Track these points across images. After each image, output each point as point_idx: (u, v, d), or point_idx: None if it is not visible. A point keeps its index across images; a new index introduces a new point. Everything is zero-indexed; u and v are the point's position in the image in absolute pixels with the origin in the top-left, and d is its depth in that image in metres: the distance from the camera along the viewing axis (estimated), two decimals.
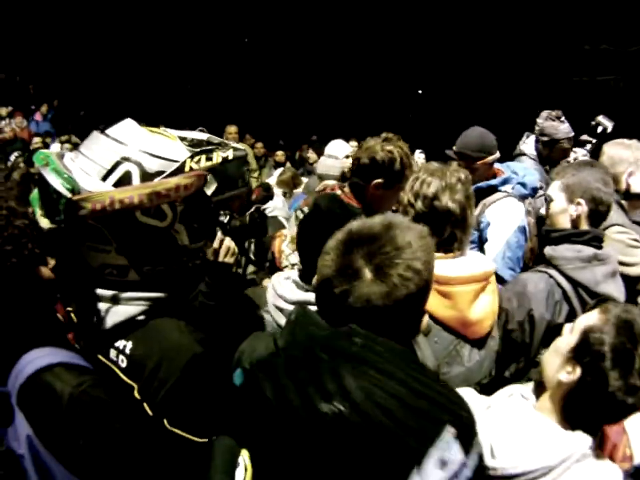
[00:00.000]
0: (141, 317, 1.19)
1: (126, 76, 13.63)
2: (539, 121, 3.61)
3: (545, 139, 3.56)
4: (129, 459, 1.09)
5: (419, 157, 6.75)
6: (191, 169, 1.16)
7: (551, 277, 1.89)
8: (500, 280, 2.23)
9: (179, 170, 1.14)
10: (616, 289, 1.91)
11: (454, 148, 2.81)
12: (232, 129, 6.74)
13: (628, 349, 1.13)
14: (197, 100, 13.75)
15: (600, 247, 1.93)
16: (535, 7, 9.96)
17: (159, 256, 1.19)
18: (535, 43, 10.12)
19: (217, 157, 1.23)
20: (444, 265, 1.52)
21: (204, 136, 1.28)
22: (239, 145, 1.37)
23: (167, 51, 13.47)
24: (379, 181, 2.08)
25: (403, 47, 13.08)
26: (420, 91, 14.75)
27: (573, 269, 1.87)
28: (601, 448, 1.27)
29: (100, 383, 1.12)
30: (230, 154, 1.26)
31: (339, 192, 2.21)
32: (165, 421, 1.13)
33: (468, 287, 1.53)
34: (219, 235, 1.81)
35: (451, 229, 1.56)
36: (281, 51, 13.93)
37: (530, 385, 1.34)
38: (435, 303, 1.47)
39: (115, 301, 1.18)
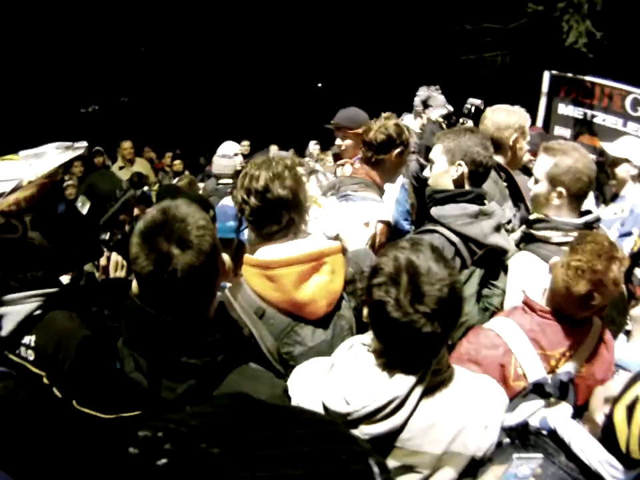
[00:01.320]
0: (38, 312, 1.38)
1: None
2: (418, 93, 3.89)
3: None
4: (57, 453, 1.16)
5: (314, 148, 6.77)
6: (30, 182, 1.35)
7: (441, 234, 2.01)
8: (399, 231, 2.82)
9: (18, 186, 1.34)
10: (503, 240, 2.04)
11: (331, 122, 3.24)
12: (126, 145, 6.67)
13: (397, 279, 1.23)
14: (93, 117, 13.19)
15: (483, 204, 2.04)
16: None
17: (26, 263, 1.38)
18: (420, 28, 10.63)
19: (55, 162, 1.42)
20: (266, 250, 1.63)
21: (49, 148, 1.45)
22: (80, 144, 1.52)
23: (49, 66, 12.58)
24: (398, 150, 2.48)
25: (294, 44, 13.27)
26: (320, 84, 15.04)
27: (462, 225, 2.02)
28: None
29: (20, 384, 1.24)
30: (68, 155, 1.44)
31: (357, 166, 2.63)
32: (74, 402, 1.22)
33: (290, 268, 1.57)
34: (105, 252, 1.99)
35: (288, 215, 1.63)
36: (175, 58, 13.59)
37: (370, 333, 1.40)
38: (263, 286, 1.59)
39: (12, 302, 1.34)
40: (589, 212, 2.21)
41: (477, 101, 3.34)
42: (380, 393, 1.24)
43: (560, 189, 2.08)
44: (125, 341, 1.28)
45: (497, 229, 2.07)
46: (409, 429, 1.27)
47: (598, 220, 2.21)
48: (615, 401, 1.38)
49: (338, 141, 3.26)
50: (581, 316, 1.72)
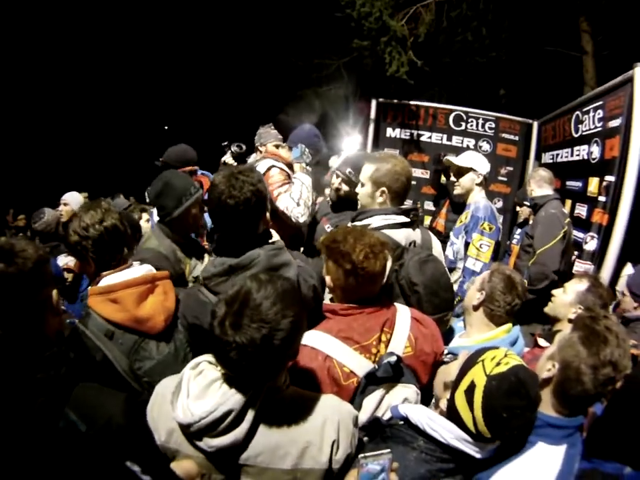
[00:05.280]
0: None
1: None
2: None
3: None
4: None
5: None
6: None
7: None
8: None
9: None
10: None
11: (160, 159, 3.31)
12: None
13: None
14: None
15: None
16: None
17: None
18: (259, 65, 10.89)
19: None
20: (107, 279, 1.86)
21: None
22: None
23: None
24: None
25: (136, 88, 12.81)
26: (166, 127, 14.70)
27: None
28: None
29: None
30: None
31: None
32: None
33: (130, 290, 1.82)
34: None
35: (121, 246, 1.92)
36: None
37: None
38: (109, 311, 1.80)
39: None
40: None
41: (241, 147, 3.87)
42: (216, 406, 1.30)
43: (382, 188, 2.52)
44: None
45: None
46: (254, 446, 1.33)
47: (414, 209, 2.59)
48: (453, 387, 1.51)
49: None
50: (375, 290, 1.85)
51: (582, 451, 1.57)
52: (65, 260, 3.76)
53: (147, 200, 2.75)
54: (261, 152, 3.79)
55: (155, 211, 3.44)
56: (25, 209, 8.02)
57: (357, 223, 2.50)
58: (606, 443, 1.64)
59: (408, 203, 2.66)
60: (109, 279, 1.86)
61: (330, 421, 1.38)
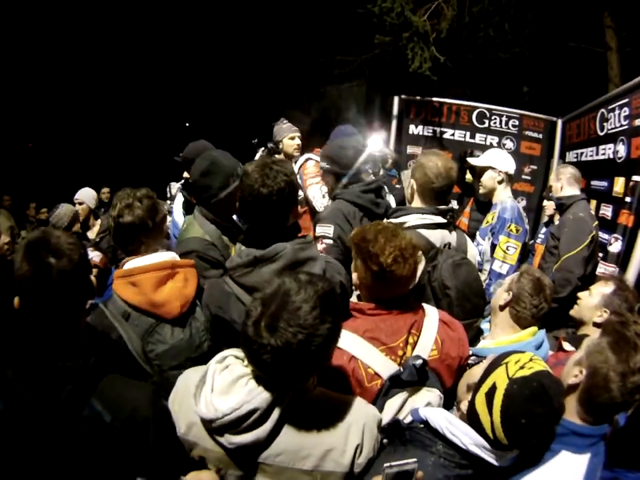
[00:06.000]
0: None
1: None
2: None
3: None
4: None
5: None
6: None
7: None
8: None
9: None
10: None
11: (180, 154, 3.49)
12: None
13: None
14: None
15: None
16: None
17: None
18: (280, 62, 10.87)
19: None
20: (130, 263, 1.94)
21: None
22: None
23: None
24: None
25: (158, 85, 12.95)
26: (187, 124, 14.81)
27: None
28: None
29: None
30: None
31: None
32: None
33: (148, 274, 1.89)
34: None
35: (137, 237, 1.98)
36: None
37: None
38: (128, 293, 1.88)
39: None
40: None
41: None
42: (241, 404, 1.28)
43: (411, 181, 2.56)
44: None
45: None
46: (276, 445, 1.32)
47: (451, 210, 2.56)
48: (476, 389, 1.48)
49: (187, 174, 3.37)
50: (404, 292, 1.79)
51: (604, 459, 1.54)
52: (90, 255, 3.82)
53: (190, 180, 2.62)
54: (275, 150, 4.02)
55: (175, 205, 3.49)
56: (47, 203, 8.25)
57: (393, 220, 2.46)
58: (629, 453, 1.61)
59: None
60: (132, 263, 1.94)
61: (355, 425, 1.37)
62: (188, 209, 3.28)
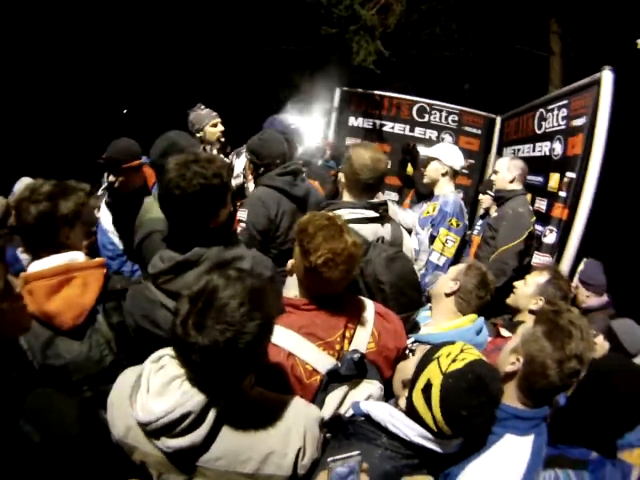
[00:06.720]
0: None
1: None
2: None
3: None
4: None
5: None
6: None
7: None
8: None
9: None
10: None
11: (103, 156, 2.99)
12: None
13: None
14: None
15: None
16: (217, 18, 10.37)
17: None
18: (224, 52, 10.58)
19: None
20: (31, 266, 1.76)
21: None
22: None
23: None
24: None
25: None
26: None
27: None
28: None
29: None
30: None
31: None
32: None
33: (40, 282, 1.69)
34: None
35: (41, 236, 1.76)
36: None
37: None
38: (27, 301, 1.60)
39: None
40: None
41: None
42: (174, 407, 1.21)
43: (340, 175, 2.56)
44: None
45: None
46: (215, 449, 1.26)
47: (384, 203, 2.54)
48: (410, 386, 1.47)
49: (111, 177, 3.05)
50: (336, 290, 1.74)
51: (547, 438, 1.59)
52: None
53: (150, 160, 2.55)
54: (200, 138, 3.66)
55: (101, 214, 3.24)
56: None
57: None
58: (571, 430, 1.66)
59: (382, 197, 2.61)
60: (32, 267, 1.75)
61: (295, 428, 1.32)
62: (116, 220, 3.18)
